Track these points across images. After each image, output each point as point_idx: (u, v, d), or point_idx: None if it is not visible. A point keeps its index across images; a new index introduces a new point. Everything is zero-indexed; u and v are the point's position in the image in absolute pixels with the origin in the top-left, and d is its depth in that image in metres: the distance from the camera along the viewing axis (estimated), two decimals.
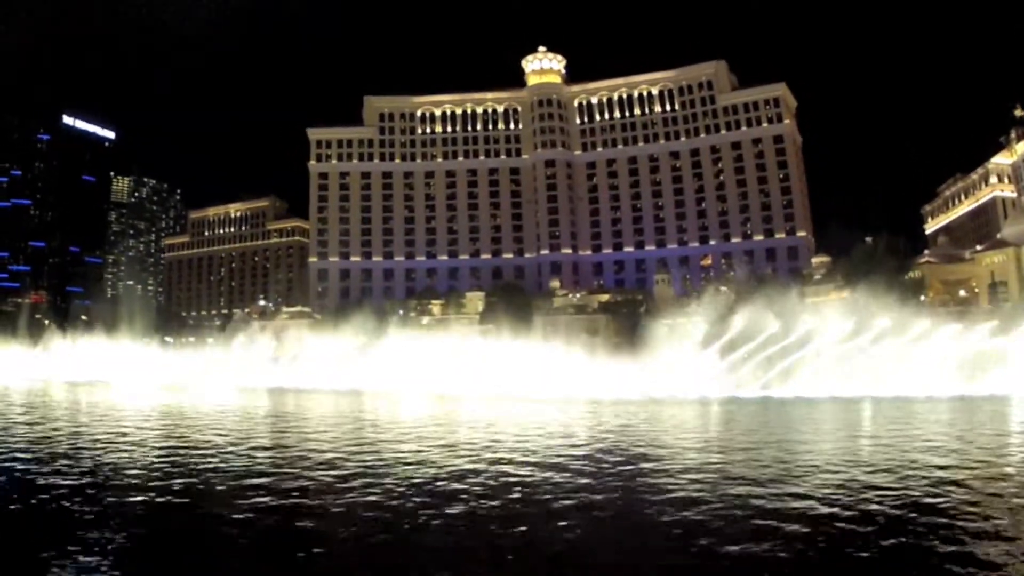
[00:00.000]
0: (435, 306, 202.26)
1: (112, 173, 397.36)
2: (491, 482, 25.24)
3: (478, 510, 21.16)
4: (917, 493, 21.79)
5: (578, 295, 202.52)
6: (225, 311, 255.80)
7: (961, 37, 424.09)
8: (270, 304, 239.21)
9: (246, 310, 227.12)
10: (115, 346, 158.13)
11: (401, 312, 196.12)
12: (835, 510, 20.05)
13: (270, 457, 31.89)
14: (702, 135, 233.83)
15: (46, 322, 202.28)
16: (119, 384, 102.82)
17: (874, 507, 20.27)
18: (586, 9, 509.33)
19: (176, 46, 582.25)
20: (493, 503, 21.95)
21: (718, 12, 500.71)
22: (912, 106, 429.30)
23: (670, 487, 23.34)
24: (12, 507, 21.28)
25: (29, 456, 30.86)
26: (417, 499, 22.64)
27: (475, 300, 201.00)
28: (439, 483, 25.18)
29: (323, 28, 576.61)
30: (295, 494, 23.33)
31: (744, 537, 17.82)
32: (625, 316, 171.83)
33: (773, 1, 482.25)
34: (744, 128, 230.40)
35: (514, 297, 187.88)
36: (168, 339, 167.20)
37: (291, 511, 21.07)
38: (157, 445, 36.04)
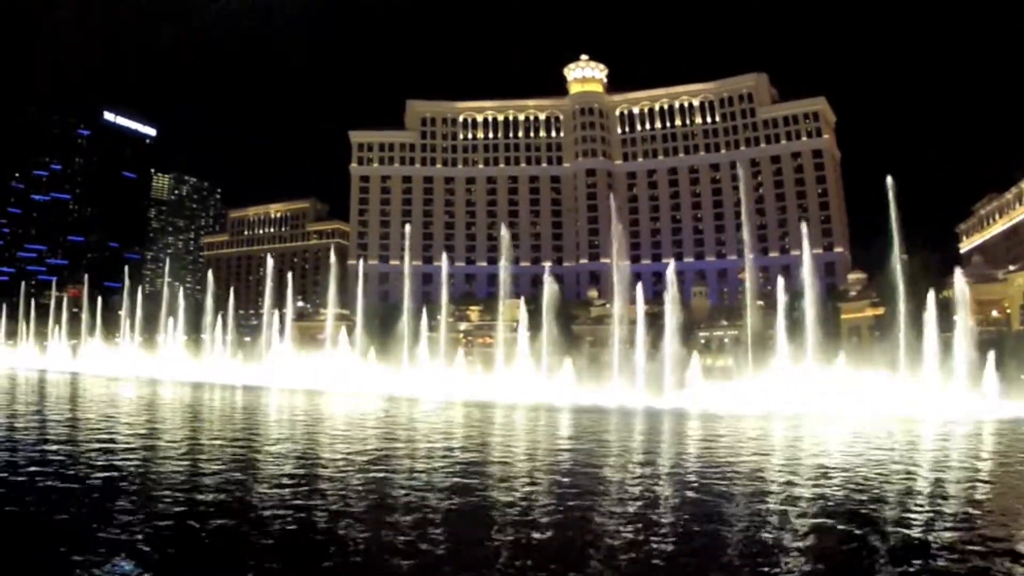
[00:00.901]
0: (473, 312, 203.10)
1: (152, 170, 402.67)
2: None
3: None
4: None
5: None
6: (263, 311, 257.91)
7: (1001, 57, 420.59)
8: (308, 305, 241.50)
9: (284, 311, 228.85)
10: (151, 342, 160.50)
11: (439, 317, 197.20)
12: None
13: (299, 459, 31.79)
14: (742, 148, 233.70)
15: (83, 316, 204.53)
16: (154, 379, 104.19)
17: None
18: (628, 18, 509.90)
19: (220, 47, 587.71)
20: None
21: (760, 24, 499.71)
22: (952, 123, 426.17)
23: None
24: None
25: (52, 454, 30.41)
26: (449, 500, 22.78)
27: (513, 308, 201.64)
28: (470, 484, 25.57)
29: (367, 32, 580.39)
30: (324, 497, 22.96)
31: None
32: (662, 328, 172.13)
33: (814, 15, 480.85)
34: (783, 142, 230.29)
35: (552, 306, 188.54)
36: (204, 337, 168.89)
37: (316, 516, 20.55)
38: (185, 444, 35.85)
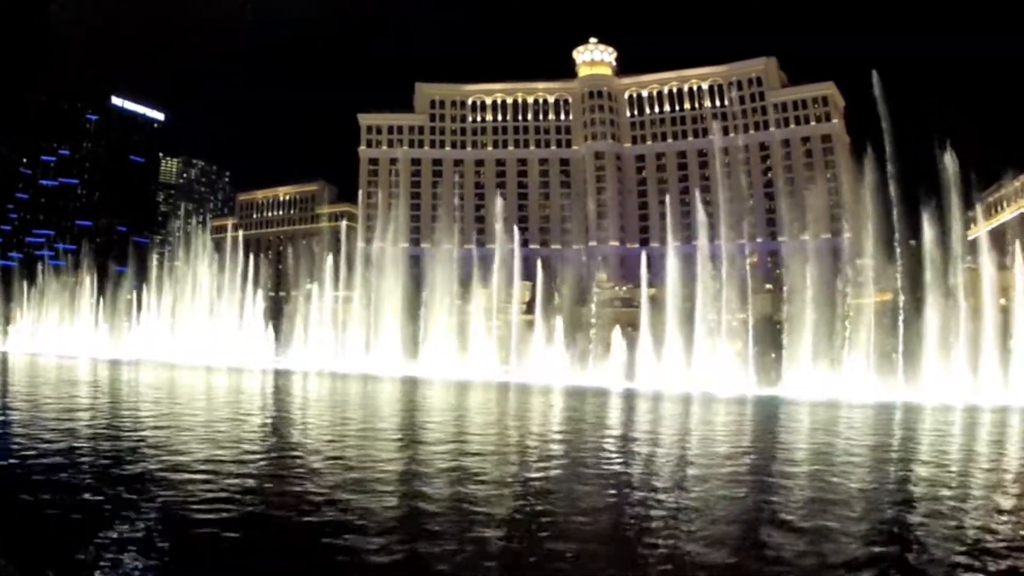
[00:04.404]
0: (482, 295, 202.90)
1: (160, 154, 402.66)
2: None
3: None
4: None
5: (624, 288, 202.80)
6: (272, 294, 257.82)
7: (1014, 40, 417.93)
8: (317, 288, 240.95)
9: (294, 294, 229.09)
10: (162, 326, 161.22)
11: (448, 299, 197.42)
12: None
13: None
14: (751, 131, 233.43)
15: (92, 301, 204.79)
16: (169, 363, 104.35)
17: None
18: (637, 1, 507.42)
19: (227, 30, 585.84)
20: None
21: (769, 8, 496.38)
22: (961, 110, 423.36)
23: None
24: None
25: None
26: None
27: (522, 290, 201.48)
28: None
29: (376, 15, 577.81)
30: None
31: None
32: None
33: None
34: (793, 126, 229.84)
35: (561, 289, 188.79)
36: (216, 319, 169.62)
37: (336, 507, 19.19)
38: (211, 430, 34.82)
